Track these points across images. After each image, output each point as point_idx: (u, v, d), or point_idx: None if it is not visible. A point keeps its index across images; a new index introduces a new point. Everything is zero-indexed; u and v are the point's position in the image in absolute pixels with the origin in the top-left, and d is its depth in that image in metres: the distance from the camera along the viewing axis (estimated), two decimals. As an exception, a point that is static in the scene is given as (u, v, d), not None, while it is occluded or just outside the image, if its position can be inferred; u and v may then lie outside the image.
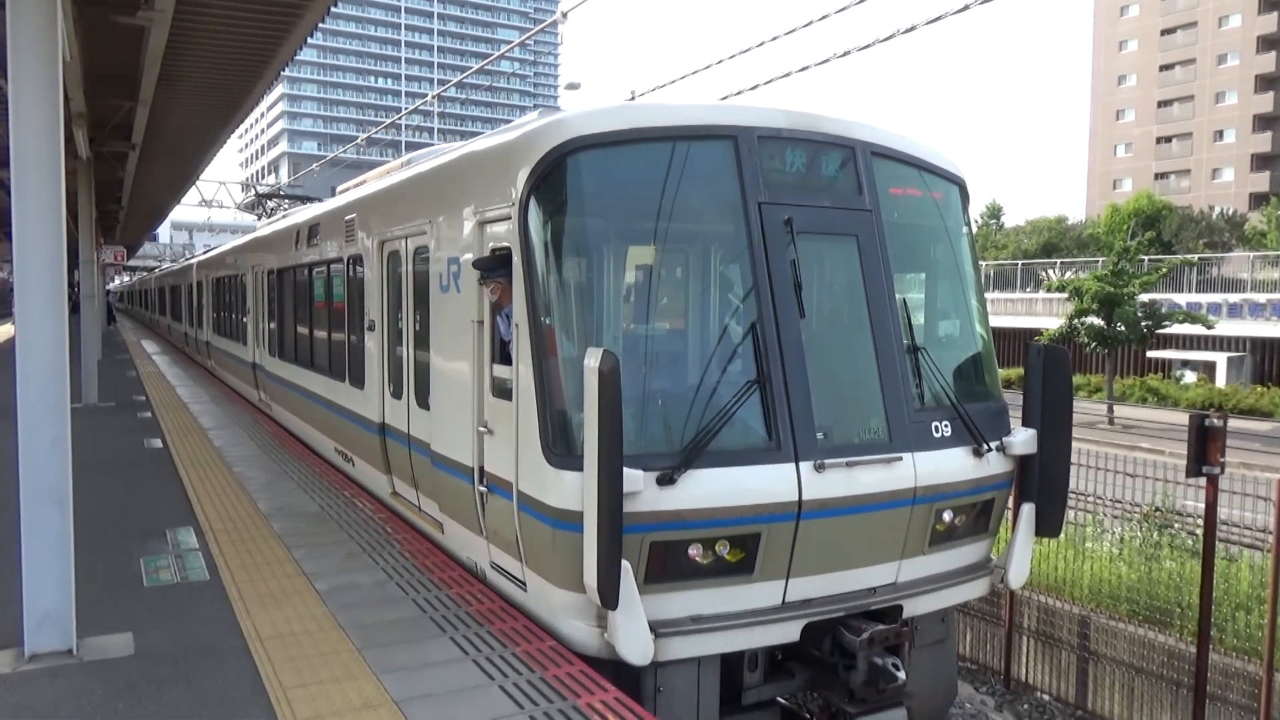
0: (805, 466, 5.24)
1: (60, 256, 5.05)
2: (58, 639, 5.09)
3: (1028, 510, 6.29)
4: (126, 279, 76.54)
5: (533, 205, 5.41)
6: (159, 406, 15.47)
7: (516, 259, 5.46)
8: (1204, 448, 7.31)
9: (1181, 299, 35.42)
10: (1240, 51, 73.21)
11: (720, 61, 14.57)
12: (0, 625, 5.36)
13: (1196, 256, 40.41)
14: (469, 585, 6.29)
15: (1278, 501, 7.61)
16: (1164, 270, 31.62)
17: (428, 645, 5.26)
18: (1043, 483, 6.25)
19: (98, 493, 8.78)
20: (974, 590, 6.34)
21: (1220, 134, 75.27)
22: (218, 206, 45.43)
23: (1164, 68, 77.85)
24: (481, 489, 6.00)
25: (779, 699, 6.06)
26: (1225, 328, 33.85)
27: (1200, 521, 8.33)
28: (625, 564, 4.74)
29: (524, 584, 5.67)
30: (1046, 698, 9.16)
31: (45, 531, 5.00)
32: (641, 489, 4.82)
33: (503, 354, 5.80)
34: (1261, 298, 35.37)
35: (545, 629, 5.46)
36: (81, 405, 14.71)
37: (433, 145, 10.24)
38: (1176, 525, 10.12)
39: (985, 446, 5.97)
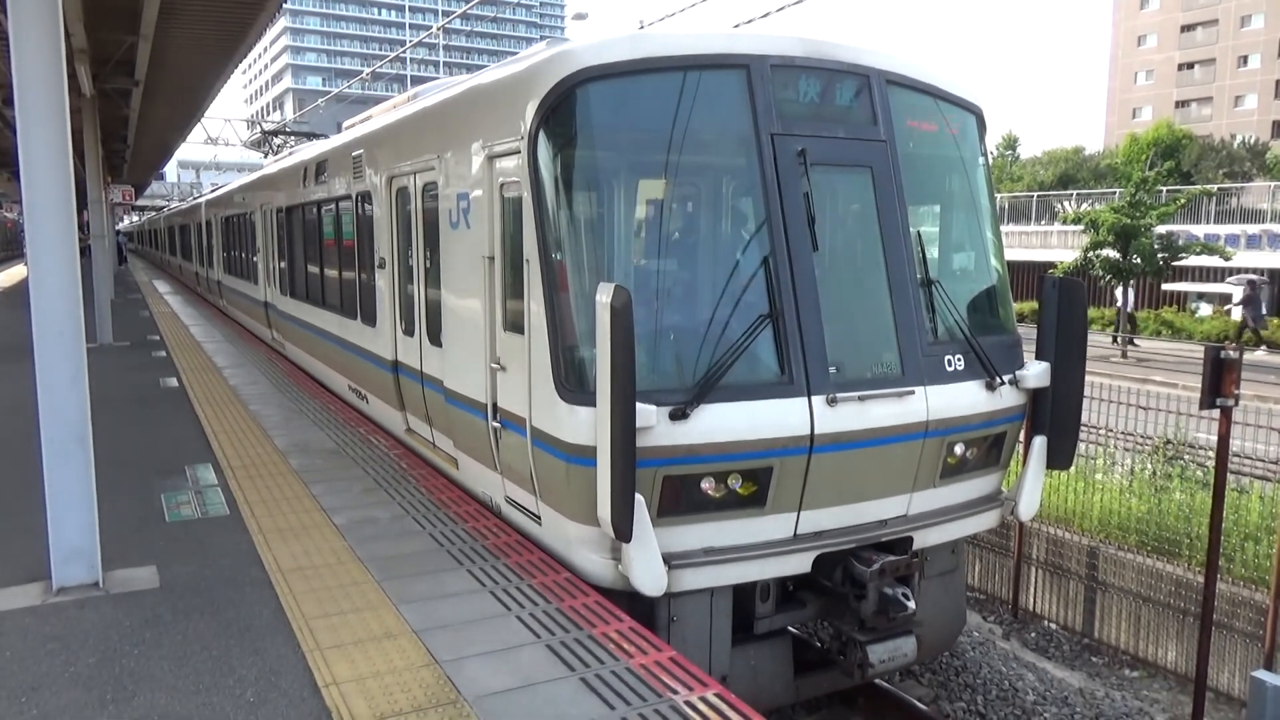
0: (817, 400, 5.25)
1: (68, 193, 5.03)
2: (84, 572, 5.22)
3: (1039, 443, 6.31)
4: (136, 219, 76.46)
5: (542, 139, 5.33)
6: (173, 346, 15.57)
7: (526, 194, 5.40)
8: (1218, 380, 7.25)
9: (1199, 230, 34.84)
10: (1270, -27, 70.86)
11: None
12: (29, 559, 5.49)
13: (1215, 187, 39.61)
14: (485, 519, 6.39)
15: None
16: (1182, 201, 31.03)
17: (445, 577, 5.36)
18: (1055, 416, 6.26)
19: (117, 431, 8.89)
20: (984, 522, 6.40)
21: (1244, 59, 73.21)
22: (224, 144, 45.16)
23: (1189, -10, 75.58)
24: (495, 425, 6.04)
25: (790, 628, 6.18)
26: (1244, 259, 33.32)
27: (1212, 454, 8.33)
28: (639, 498, 4.79)
29: (539, 518, 5.75)
30: (1054, 626, 9.29)
31: (68, 467, 5.08)
32: (654, 424, 4.85)
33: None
34: (1281, 228, 34.76)
35: (560, 561, 5.55)
36: (96, 345, 14.81)
37: (438, 79, 10.05)
38: (1187, 457, 10.12)
39: (998, 380, 5.96)
